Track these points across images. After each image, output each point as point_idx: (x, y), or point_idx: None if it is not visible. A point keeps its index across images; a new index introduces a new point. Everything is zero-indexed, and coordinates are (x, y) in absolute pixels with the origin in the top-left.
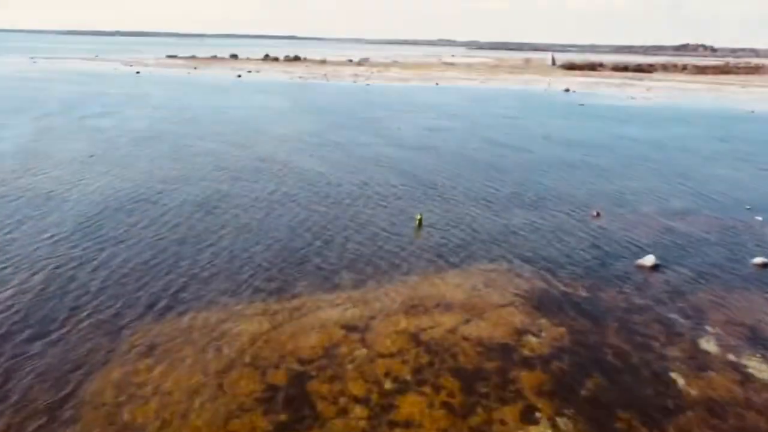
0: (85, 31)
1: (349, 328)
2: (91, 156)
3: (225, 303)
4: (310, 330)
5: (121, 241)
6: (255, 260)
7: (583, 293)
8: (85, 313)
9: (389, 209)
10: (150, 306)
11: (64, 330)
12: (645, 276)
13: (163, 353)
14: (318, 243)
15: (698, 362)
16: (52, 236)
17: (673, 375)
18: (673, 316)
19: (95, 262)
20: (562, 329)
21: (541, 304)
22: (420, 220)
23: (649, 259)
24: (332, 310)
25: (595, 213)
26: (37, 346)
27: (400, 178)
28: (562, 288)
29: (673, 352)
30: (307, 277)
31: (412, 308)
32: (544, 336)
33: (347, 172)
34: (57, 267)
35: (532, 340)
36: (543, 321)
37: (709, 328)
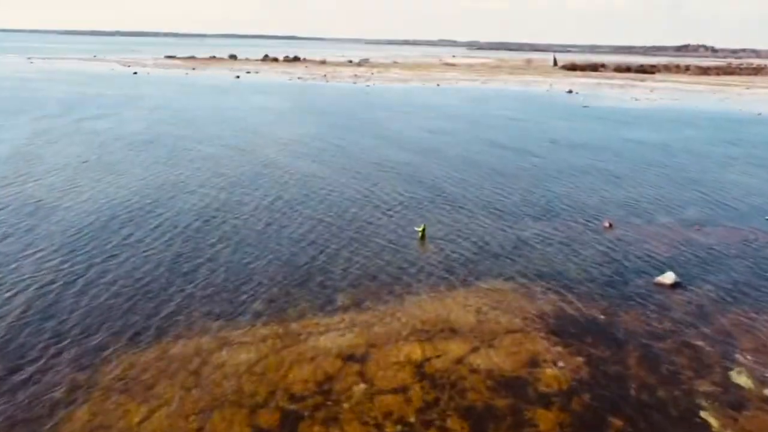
0: (85, 31)
1: (348, 357)
2: (85, 162)
3: (216, 328)
4: (306, 360)
5: (112, 257)
6: (252, 279)
7: (601, 315)
8: (65, 342)
9: (394, 218)
10: (137, 333)
11: (40, 363)
12: (665, 295)
13: (144, 390)
14: (319, 259)
15: (731, 398)
16: (37, 251)
17: (705, 414)
18: (700, 342)
19: (82, 282)
20: (581, 358)
21: (556, 328)
22: (423, 231)
23: (668, 277)
24: (330, 335)
25: (607, 224)
26: (8, 383)
27: (404, 185)
28: (578, 309)
29: (702, 386)
30: (305, 297)
31: (415, 333)
32: (562, 366)
33: (350, 177)
34: (40, 287)
35: (548, 371)
36: (559, 348)
37: (740, 357)
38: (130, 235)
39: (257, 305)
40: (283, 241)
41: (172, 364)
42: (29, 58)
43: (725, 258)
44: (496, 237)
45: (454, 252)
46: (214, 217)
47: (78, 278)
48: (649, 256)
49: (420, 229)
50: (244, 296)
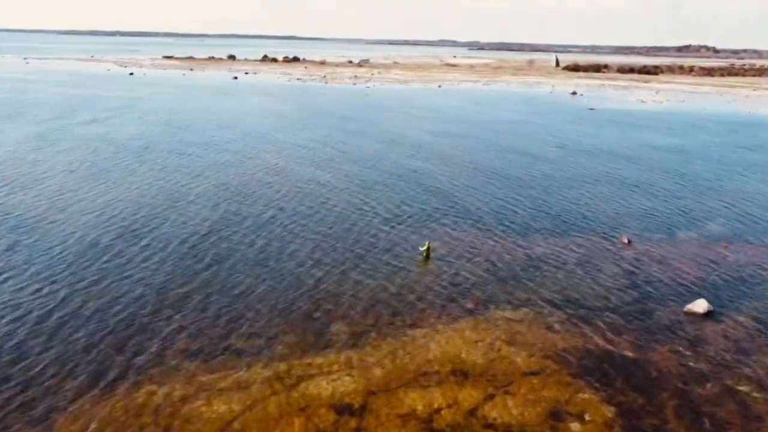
0: (85, 31)
1: (344, 408)
2: (73, 171)
3: (200, 371)
4: (295, 412)
5: (94, 283)
6: (244, 310)
7: (628, 352)
8: (29, 392)
9: (396, 233)
10: (113, 380)
11: None
12: (698, 327)
13: None
14: (316, 286)
15: None
16: (13, 276)
17: None
18: (744, 387)
19: (57, 315)
20: (611, 409)
21: (580, 369)
22: (427, 250)
23: (700, 305)
24: (324, 380)
25: (625, 240)
26: None
27: (408, 193)
28: (602, 345)
29: None
30: (297, 332)
31: (421, 377)
32: (589, 420)
33: (350, 184)
34: (11, 322)
35: (575, 427)
36: (584, 396)
37: None
38: (117, 255)
39: (244, 342)
40: (280, 264)
41: (138, 414)
42: (25, 59)
43: (760, 280)
44: (506, 255)
45: (461, 274)
46: (209, 232)
47: (54, 309)
48: (675, 278)
49: (424, 248)
50: (232, 331)
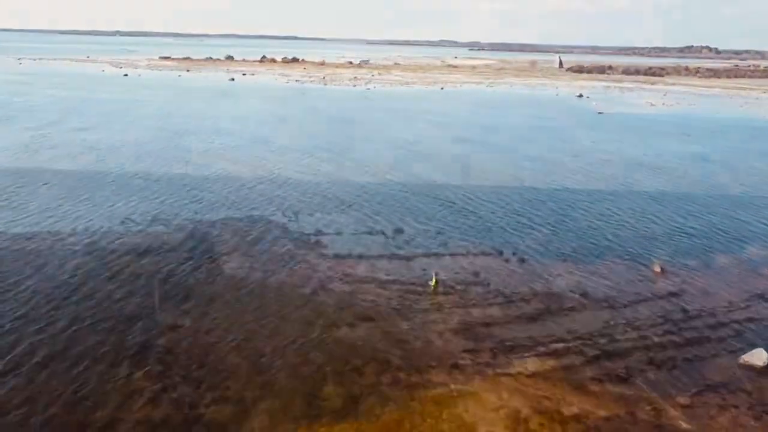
0: (86, 31)
1: None
2: (46, 184)
3: None
4: None
5: (46, 327)
6: (217, 366)
7: (683, 423)
8: None
9: (408, 260)
10: None
11: None
12: (760, 385)
13: None
14: (310, 332)
15: None
16: None
17: None
18: None
19: (14, 375)
20: None
21: None
22: (436, 284)
23: (759, 356)
24: None
25: (658, 268)
26: None
27: (420, 208)
28: (650, 414)
29: None
30: (282, 396)
31: None
32: None
33: (357, 198)
34: None
35: None
36: None
37: None
38: (88, 291)
39: (218, 410)
40: (277, 301)
41: None
42: (18, 59)
43: None
44: (526, 289)
45: (477, 314)
46: (200, 257)
47: (11, 369)
48: (721, 318)
49: (433, 282)
50: (206, 394)
